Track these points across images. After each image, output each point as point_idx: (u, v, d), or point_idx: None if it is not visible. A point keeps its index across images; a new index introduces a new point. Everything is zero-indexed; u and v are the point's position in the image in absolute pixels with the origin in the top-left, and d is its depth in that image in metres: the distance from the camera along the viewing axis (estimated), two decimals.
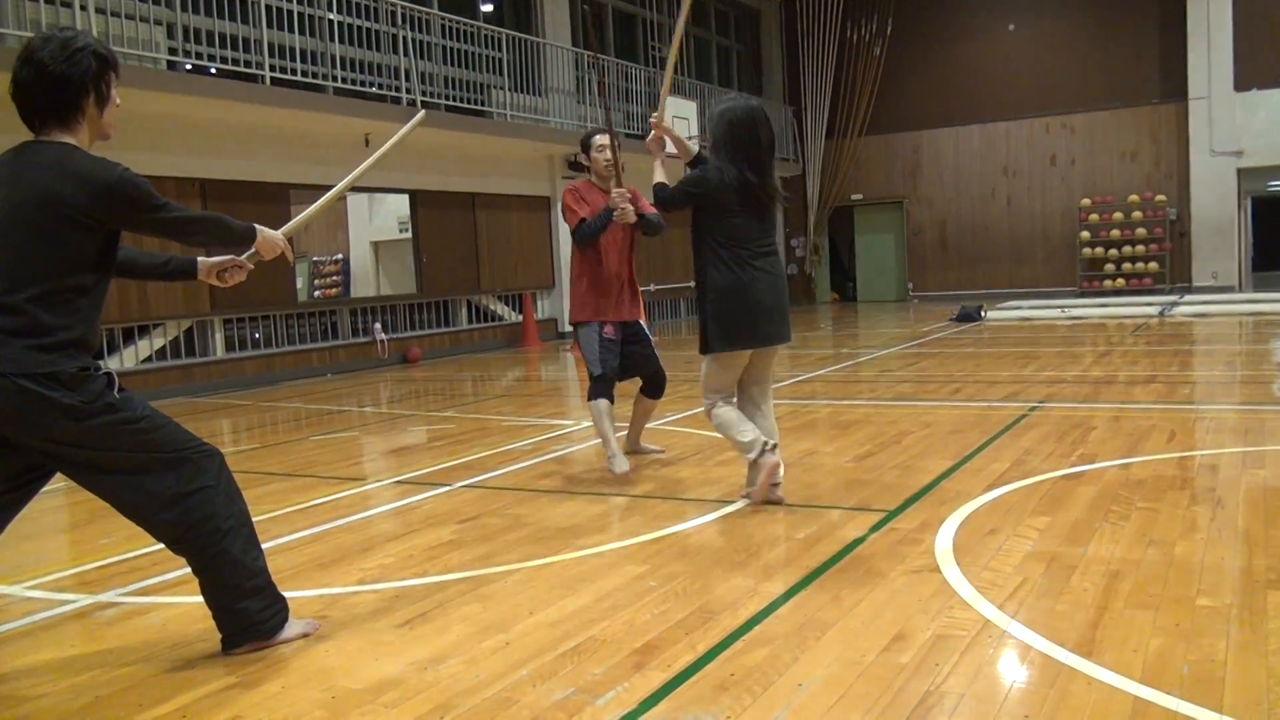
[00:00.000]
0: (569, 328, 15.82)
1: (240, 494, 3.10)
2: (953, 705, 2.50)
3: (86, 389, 2.79)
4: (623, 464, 5.47)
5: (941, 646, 2.87)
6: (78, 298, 2.81)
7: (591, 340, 5.52)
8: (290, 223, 3.45)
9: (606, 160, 5.46)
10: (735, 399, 4.66)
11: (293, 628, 3.19)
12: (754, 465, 4.50)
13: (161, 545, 3.07)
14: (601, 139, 5.53)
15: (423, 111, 3.83)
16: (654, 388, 5.83)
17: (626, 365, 5.68)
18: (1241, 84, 18.56)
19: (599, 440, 5.76)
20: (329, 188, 3.66)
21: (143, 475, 2.91)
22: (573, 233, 5.49)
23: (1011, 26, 20.78)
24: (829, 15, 21.59)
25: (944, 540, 3.89)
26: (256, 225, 3.20)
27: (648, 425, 6.19)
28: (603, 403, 5.48)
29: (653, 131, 4.71)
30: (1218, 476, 4.75)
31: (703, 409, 4.71)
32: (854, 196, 22.56)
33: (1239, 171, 18.82)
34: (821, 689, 2.63)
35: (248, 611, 3.06)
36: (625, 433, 6.00)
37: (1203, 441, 5.64)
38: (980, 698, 2.54)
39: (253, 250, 3.23)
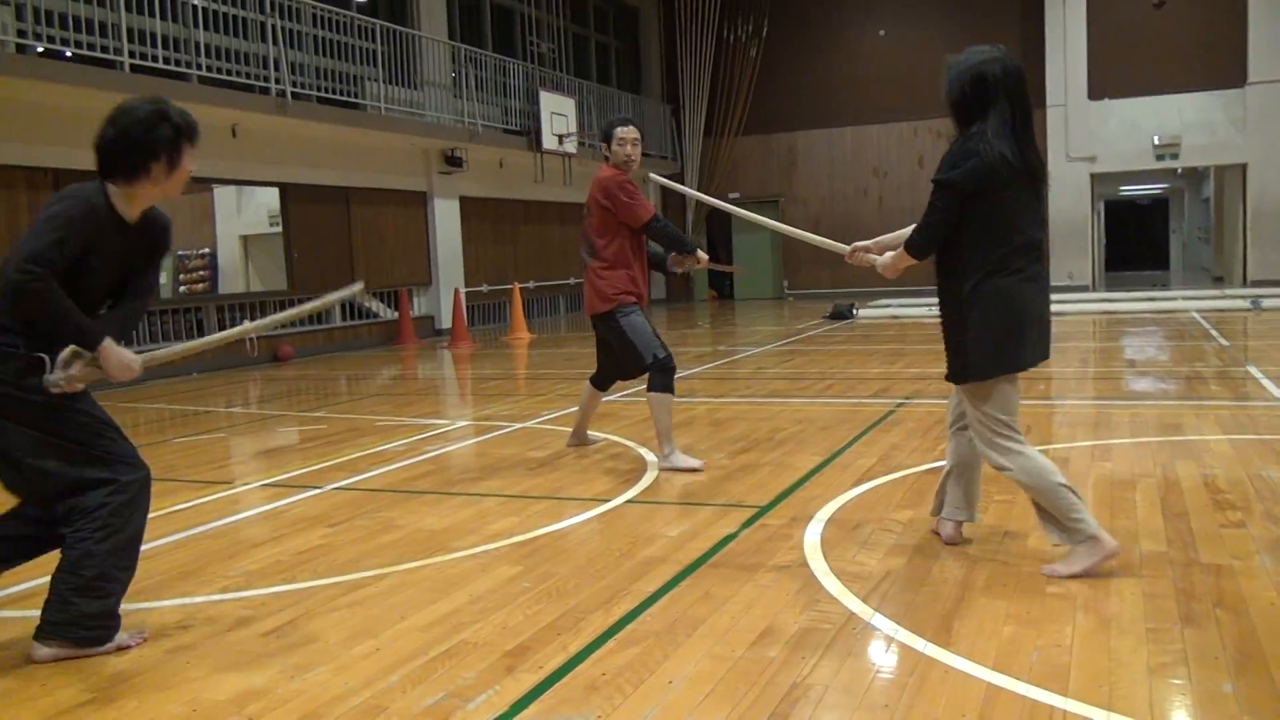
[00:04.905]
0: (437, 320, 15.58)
1: (144, 513, 3.09)
2: (818, 696, 2.58)
3: (6, 366, 2.86)
4: (693, 460, 5.31)
5: (808, 640, 2.94)
6: None
7: (644, 325, 5.38)
8: (166, 349, 3.27)
9: (627, 156, 5.45)
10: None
11: (112, 640, 3.10)
12: (1093, 543, 3.33)
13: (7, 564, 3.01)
14: (625, 131, 5.48)
15: (360, 283, 3.84)
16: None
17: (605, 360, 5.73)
18: (1095, 93, 19.57)
19: (662, 438, 5.36)
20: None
21: (56, 459, 2.94)
22: (650, 222, 5.41)
23: (882, 32, 21.43)
24: (706, 15, 21.87)
25: (812, 535, 4.00)
26: (108, 339, 2.91)
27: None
28: (669, 396, 5.31)
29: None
30: (1069, 469, 4.99)
31: (995, 459, 3.46)
32: (731, 195, 22.82)
33: (1092, 176, 19.83)
34: (691, 685, 2.67)
35: (80, 611, 2.98)
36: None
37: (1057, 435, 5.91)
38: (844, 689, 2.62)
39: (94, 355, 2.89)
